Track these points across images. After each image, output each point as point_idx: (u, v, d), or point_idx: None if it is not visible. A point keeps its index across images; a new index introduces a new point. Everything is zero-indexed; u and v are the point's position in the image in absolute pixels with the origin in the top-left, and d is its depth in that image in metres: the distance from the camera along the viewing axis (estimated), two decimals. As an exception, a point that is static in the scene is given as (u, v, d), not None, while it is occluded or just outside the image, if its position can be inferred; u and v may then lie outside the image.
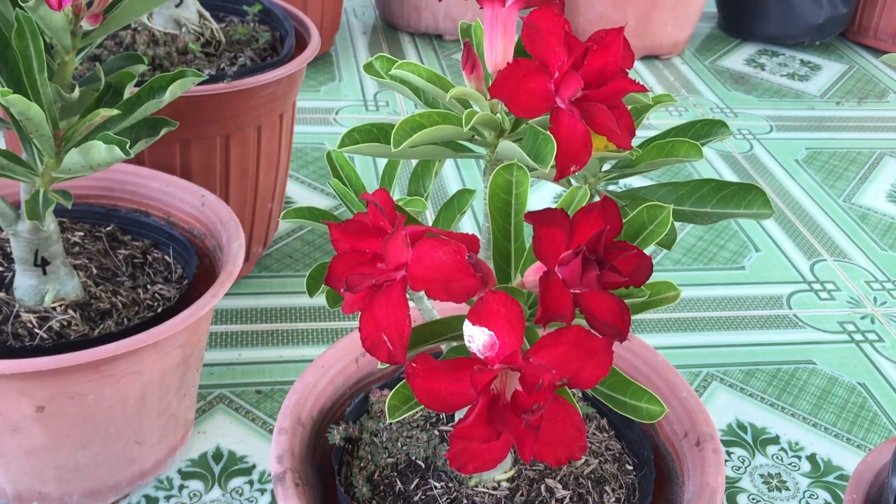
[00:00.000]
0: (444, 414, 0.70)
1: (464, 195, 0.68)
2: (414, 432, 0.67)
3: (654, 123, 1.74)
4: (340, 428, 0.67)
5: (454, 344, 0.54)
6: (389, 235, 0.44)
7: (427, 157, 0.60)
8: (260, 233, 1.18)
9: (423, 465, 0.65)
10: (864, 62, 2.16)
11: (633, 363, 0.74)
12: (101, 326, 0.81)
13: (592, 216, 0.46)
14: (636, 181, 1.50)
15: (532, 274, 0.49)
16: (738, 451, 1.02)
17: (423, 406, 0.47)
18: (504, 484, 0.64)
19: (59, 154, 0.69)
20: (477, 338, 0.43)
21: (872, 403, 1.11)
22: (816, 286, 1.33)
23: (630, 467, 0.69)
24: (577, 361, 0.43)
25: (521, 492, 0.64)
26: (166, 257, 0.93)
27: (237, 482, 0.92)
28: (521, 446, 0.43)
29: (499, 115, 0.55)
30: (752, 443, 1.03)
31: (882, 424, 1.08)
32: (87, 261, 0.89)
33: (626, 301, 0.48)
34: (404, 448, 0.66)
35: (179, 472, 0.93)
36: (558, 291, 0.45)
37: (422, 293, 0.52)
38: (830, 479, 1.00)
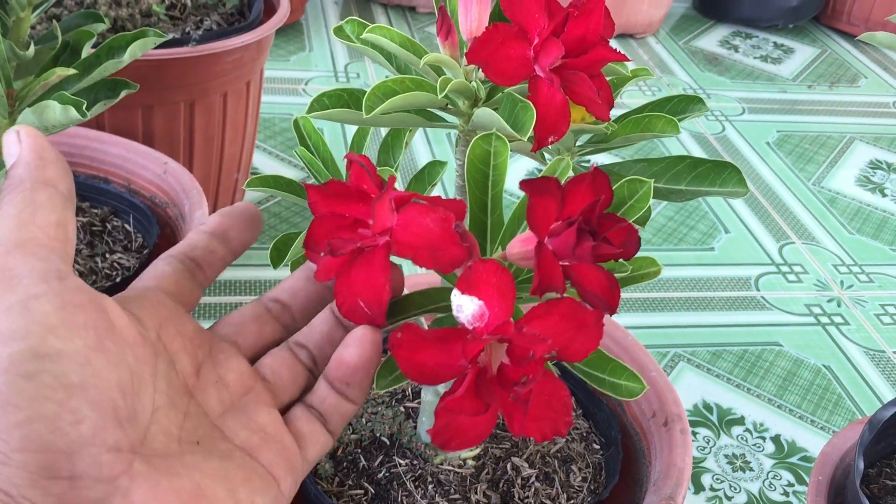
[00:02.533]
0: (409, 390, 0.69)
1: (434, 167, 0.65)
2: (379, 409, 0.66)
3: (627, 102, 1.73)
4: None
5: (438, 316, 0.53)
6: (378, 198, 0.42)
7: (399, 125, 0.58)
8: (225, 204, 1.16)
9: (388, 442, 0.64)
10: (836, 47, 2.16)
11: (603, 342, 0.73)
12: (57, 295, 0.79)
13: (584, 187, 0.44)
14: (608, 158, 1.49)
15: (518, 245, 0.47)
16: (703, 432, 1.02)
17: (406, 379, 0.45)
18: (470, 462, 0.63)
19: (11, 114, 0.66)
20: (466, 307, 0.41)
21: (837, 386, 1.11)
22: (784, 268, 1.33)
23: (597, 447, 0.68)
24: (567, 333, 0.42)
25: (486, 470, 0.63)
26: (126, 226, 0.90)
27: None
28: (510, 420, 0.41)
29: (474, 83, 0.53)
30: (717, 423, 1.03)
31: (846, 407, 1.08)
32: (43, 227, 0.86)
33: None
34: (368, 425, 0.65)
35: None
36: (551, 263, 0.43)
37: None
38: (794, 460, 1.00)
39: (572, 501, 0.63)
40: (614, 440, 0.68)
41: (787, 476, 0.98)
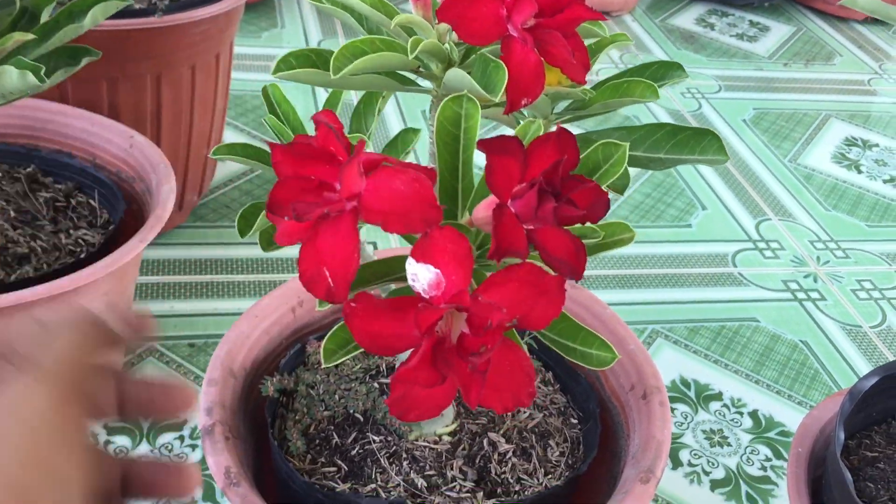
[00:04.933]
0: (384, 366, 0.67)
1: (408, 134, 0.64)
2: (353, 385, 0.64)
3: (602, 76, 1.71)
4: (274, 379, 0.64)
5: (400, 286, 0.51)
6: (347, 161, 0.40)
7: (369, 87, 0.56)
8: (195, 180, 1.13)
9: (362, 419, 0.63)
10: (811, 25, 2.16)
11: (580, 315, 0.72)
12: (19, 272, 0.76)
13: (548, 147, 0.42)
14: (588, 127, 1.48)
15: (482, 210, 0.46)
16: (681, 408, 1.01)
17: (361, 349, 0.44)
18: (446, 438, 0.61)
19: (-34, 81, 0.63)
20: (421, 276, 0.39)
21: (814, 361, 1.11)
22: (761, 245, 1.32)
23: (575, 421, 0.67)
24: (528, 300, 0.40)
25: (462, 445, 0.62)
26: (91, 201, 0.88)
27: (166, 438, 0.88)
28: (466, 391, 0.40)
29: (447, 45, 0.52)
30: (695, 399, 1.03)
31: (822, 381, 1.08)
32: (4, 203, 0.83)
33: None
34: (342, 401, 0.63)
35: (105, 426, 0.88)
36: (512, 225, 0.41)
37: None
38: (771, 434, 1.00)
39: (550, 476, 0.62)
40: (592, 414, 0.66)
41: (765, 451, 0.97)
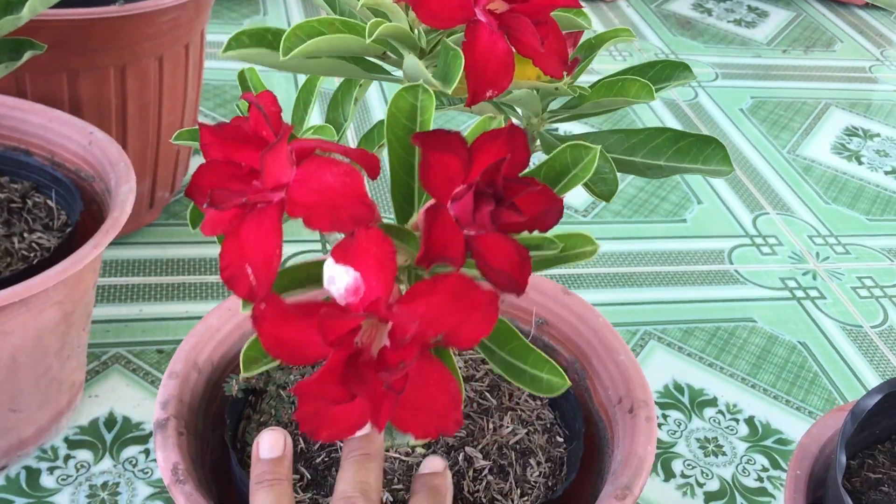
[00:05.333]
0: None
1: (384, 126, 0.59)
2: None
3: (598, 68, 1.66)
4: (241, 378, 0.60)
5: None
6: (269, 147, 0.36)
7: (329, 73, 0.51)
8: (166, 176, 1.08)
9: None
10: (811, 10, 2.10)
11: (570, 321, 0.68)
12: (-35, 280, 0.71)
13: (496, 145, 0.38)
14: (583, 128, 1.43)
15: (422, 212, 0.41)
16: (674, 414, 0.97)
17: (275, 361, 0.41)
18: (419, 450, 0.58)
19: None
20: (339, 279, 0.36)
21: (812, 363, 1.07)
22: (759, 240, 1.28)
23: (561, 439, 0.63)
24: (456, 315, 0.36)
25: None
26: (48, 202, 0.83)
27: (131, 451, 0.84)
28: (375, 410, 0.36)
29: (417, 31, 0.47)
30: (688, 405, 0.98)
31: (822, 385, 1.04)
32: (-47, 205, 0.78)
33: (534, 254, 0.41)
34: None
35: (66, 440, 0.84)
36: (447, 229, 0.37)
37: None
38: (768, 443, 0.95)
39: (525, 498, 0.58)
40: (577, 433, 0.62)
41: (762, 460, 0.93)
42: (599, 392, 0.66)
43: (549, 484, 0.59)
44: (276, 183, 0.36)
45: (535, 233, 0.41)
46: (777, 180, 1.42)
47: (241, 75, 0.59)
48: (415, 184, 0.45)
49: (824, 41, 1.95)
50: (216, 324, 0.64)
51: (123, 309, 0.99)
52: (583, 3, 0.55)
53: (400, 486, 0.56)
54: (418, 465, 0.56)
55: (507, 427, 0.61)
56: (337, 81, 0.60)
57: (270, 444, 0.49)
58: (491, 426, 0.61)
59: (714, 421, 0.97)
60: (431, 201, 0.39)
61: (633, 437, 0.59)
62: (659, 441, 0.93)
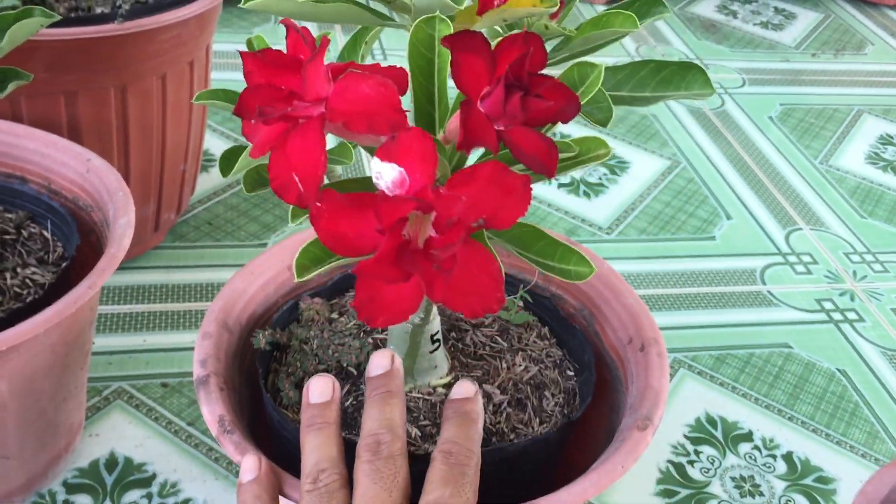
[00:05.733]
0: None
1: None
2: (346, 340, 0.64)
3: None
4: (266, 332, 0.65)
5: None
6: (309, 59, 0.40)
7: (340, 19, 0.53)
8: (171, 198, 1.04)
9: (355, 372, 0.62)
10: (841, 11, 2.03)
11: None
12: (-48, 323, 0.67)
13: (516, 46, 0.42)
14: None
15: (454, 120, 0.46)
16: (707, 451, 0.91)
17: (333, 262, 0.45)
18: (440, 389, 0.61)
19: None
20: (386, 174, 0.40)
21: (853, 393, 1.01)
22: (792, 258, 1.22)
23: (571, 373, 0.67)
24: (494, 199, 0.41)
25: None
26: (44, 232, 0.78)
27: (133, 496, 0.79)
28: (430, 288, 0.41)
29: None
30: (722, 440, 0.93)
31: (863, 416, 0.98)
32: (-57, 238, 0.74)
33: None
34: (335, 355, 0.63)
35: (65, 484, 0.79)
36: (479, 119, 0.42)
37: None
38: (808, 481, 0.90)
39: (545, 425, 0.62)
40: (587, 365, 0.66)
41: (801, 501, 0.87)
42: (609, 334, 0.70)
43: (565, 412, 0.63)
44: (316, 96, 0.40)
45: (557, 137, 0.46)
46: (809, 193, 1.36)
47: (249, 42, 0.63)
48: (436, 111, 0.49)
49: (855, 44, 1.88)
50: (241, 286, 0.68)
51: (126, 339, 0.95)
52: (605, 6, 0.56)
53: (426, 422, 0.59)
54: (441, 402, 0.60)
55: (520, 365, 0.66)
56: (342, 40, 0.60)
57: (320, 390, 0.53)
58: (504, 365, 0.65)
59: (750, 457, 0.91)
60: (463, 99, 0.43)
61: (648, 373, 0.64)
62: (692, 480, 0.88)
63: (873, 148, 1.51)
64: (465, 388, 0.54)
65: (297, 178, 0.40)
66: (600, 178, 1.33)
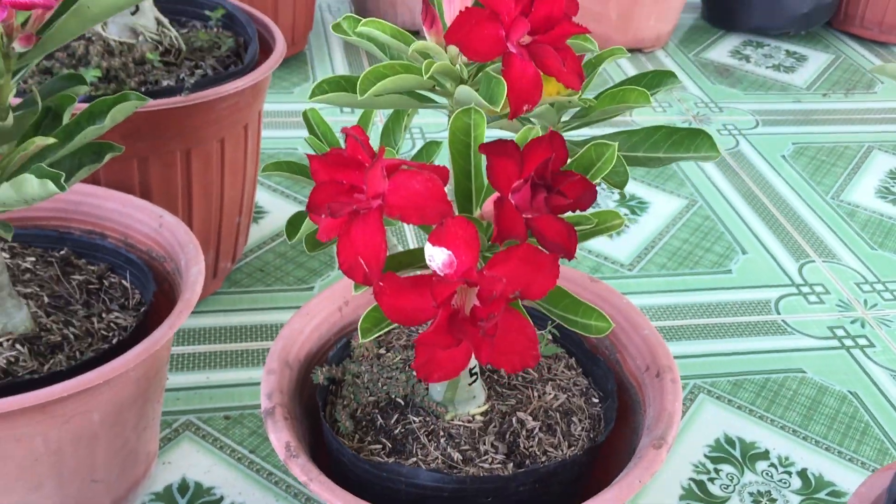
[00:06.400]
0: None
1: (431, 146, 0.74)
2: (394, 374, 0.71)
3: (638, 120, 1.70)
4: (324, 369, 0.72)
5: (421, 272, 0.59)
6: (371, 166, 0.48)
7: (392, 106, 0.63)
8: (228, 248, 1.14)
9: (403, 403, 0.70)
10: (850, 51, 2.12)
11: (600, 305, 0.79)
12: (52, 361, 0.77)
13: (541, 147, 0.50)
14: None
15: (489, 204, 0.53)
16: (726, 468, 0.98)
17: (392, 324, 0.53)
18: (478, 417, 0.69)
19: (-8, 186, 0.64)
20: (437, 257, 0.47)
21: (864, 413, 1.07)
22: (805, 289, 1.29)
23: (596, 400, 0.75)
24: (527, 275, 0.49)
25: (494, 423, 0.69)
26: (123, 282, 0.89)
27: (202, 519, 0.88)
28: (478, 352, 0.48)
29: (458, 65, 0.58)
30: (740, 459, 1.00)
31: (874, 435, 1.04)
32: (38, 288, 0.84)
33: (577, 229, 0.54)
34: (384, 388, 0.71)
35: (142, 507, 0.88)
36: (511, 214, 0.50)
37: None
38: (822, 495, 0.96)
39: (573, 448, 0.69)
40: (611, 393, 0.74)
41: (816, 513, 0.94)
42: (629, 362, 0.77)
43: (591, 436, 0.71)
44: (375, 193, 0.48)
45: (577, 213, 0.55)
46: (822, 227, 1.44)
47: (305, 115, 0.72)
48: (472, 185, 0.58)
49: (864, 83, 1.96)
50: (299, 327, 0.76)
51: (192, 377, 1.04)
52: (625, 52, 0.68)
53: (466, 447, 0.67)
54: (479, 429, 0.68)
55: (550, 394, 0.73)
56: (382, 114, 0.70)
57: None
58: (536, 394, 0.72)
59: (766, 474, 0.98)
60: (495, 195, 0.51)
61: (663, 397, 0.71)
62: (712, 496, 0.95)
63: (883, 182, 1.58)
64: None
65: (362, 262, 0.48)
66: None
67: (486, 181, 0.56)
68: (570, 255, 0.51)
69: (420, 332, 0.71)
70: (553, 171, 0.50)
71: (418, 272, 0.57)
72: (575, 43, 0.62)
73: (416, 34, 1.93)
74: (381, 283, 0.47)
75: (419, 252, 0.55)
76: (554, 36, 0.53)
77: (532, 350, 0.50)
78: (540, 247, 0.50)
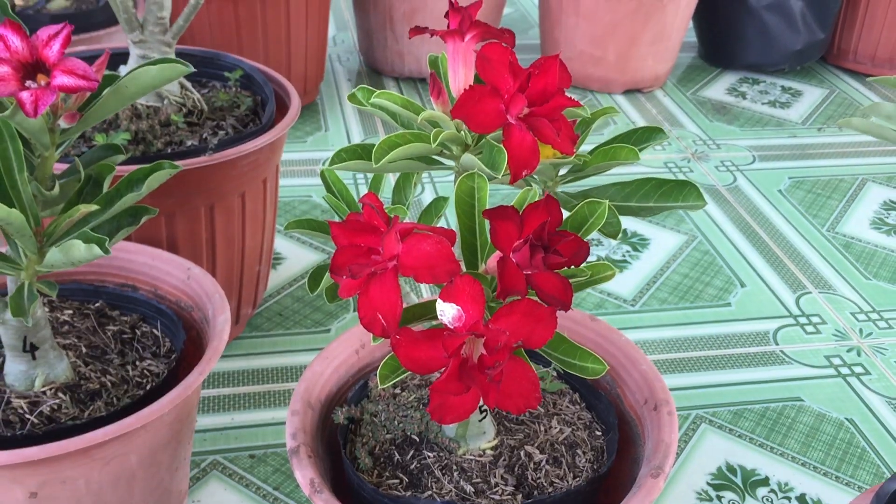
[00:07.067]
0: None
1: (439, 202, 0.79)
2: (409, 412, 0.76)
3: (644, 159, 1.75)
4: (344, 409, 0.77)
5: (432, 323, 0.64)
6: (386, 232, 0.53)
7: (404, 170, 0.69)
8: (249, 295, 1.20)
9: (418, 440, 0.75)
10: (844, 86, 2.18)
11: (597, 341, 0.86)
12: (91, 408, 0.83)
13: (538, 211, 0.56)
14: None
15: (492, 261, 0.59)
16: (728, 495, 1.03)
17: (408, 372, 0.57)
18: (489, 452, 0.73)
19: (41, 250, 0.70)
20: (447, 312, 0.53)
21: (860, 439, 1.12)
22: (802, 320, 1.34)
23: (599, 433, 0.79)
24: (528, 327, 0.54)
25: (503, 457, 0.74)
26: (154, 331, 0.95)
27: (232, 551, 0.93)
28: (486, 397, 0.53)
29: (462, 132, 0.65)
30: (741, 486, 1.05)
31: (870, 460, 1.09)
32: (76, 339, 0.91)
33: (571, 280, 0.59)
34: (400, 425, 0.75)
35: (175, 543, 0.94)
36: (513, 272, 0.55)
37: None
38: (820, 519, 1.01)
39: (578, 479, 0.74)
40: (612, 426, 0.78)
41: (815, 536, 0.99)
42: (628, 396, 0.82)
43: (595, 467, 0.75)
44: (391, 255, 0.53)
45: (572, 267, 0.60)
46: (818, 259, 1.49)
47: (323, 174, 0.78)
48: (477, 242, 0.63)
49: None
50: (319, 370, 0.81)
51: (218, 419, 1.10)
52: (619, 96, 0.73)
53: (478, 480, 0.72)
54: (490, 462, 0.73)
55: (555, 428, 0.78)
56: (393, 177, 0.77)
57: None
58: (542, 428, 0.77)
59: (767, 500, 1.03)
60: (497, 254, 0.57)
61: (660, 429, 0.75)
62: (715, 522, 1.00)
63: (877, 214, 1.63)
64: None
65: (380, 317, 0.53)
66: (623, 255, 1.47)
67: (489, 239, 0.61)
68: (566, 307, 0.56)
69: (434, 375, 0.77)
70: (549, 232, 0.55)
71: (430, 324, 0.63)
72: (568, 111, 0.68)
73: (423, 81, 2.03)
74: (398, 337, 0.52)
75: (431, 305, 0.60)
76: (549, 108, 0.59)
77: (535, 393, 0.55)
78: (539, 300, 0.55)
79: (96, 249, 0.65)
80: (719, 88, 2.14)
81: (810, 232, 1.57)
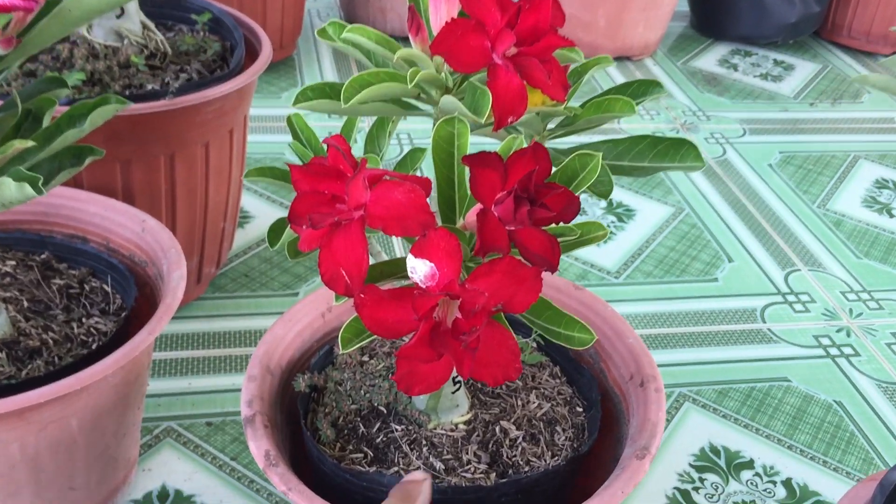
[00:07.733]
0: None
1: (416, 153, 0.72)
2: (376, 381, 0.71)
3: (626, 128, 1.70)
4: (306, 377, 0.72)
5: (402, 283, 0.57)
6: (352, 177, 0.47)
7: (376, 114, 0.62)
8: (212, 253, 1.13)
9: (385, 411, 0.70)
10: (837, 61, 2.13)
11: (581, 311, 0.80)
12: (29, 367, 0.76)
13: (525, 159, 0.50)
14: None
15: (472, 215, 0.53)
16: (711, 478, 0.98)
17: (374, 336, 0.52)
18: (461, 426, 0.68)
19: (-31, 189, 0.63)
20: (419, 269, 0.47)
21: (849, 423, 1.07)
22: (791, 298, 1.29)
23: (580, 409, 0.74)
24: (509, 288, 0.48)
25: (477, 432, 0.68)
26: (105, 286, 0.88)
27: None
28: (459, 366, 0.47)
29: (443, 74, 0.58)
30: (725, 468, 1.00)
31: (859, 445, 1.04)
32: (17, 293, 0.83)
33: (559, 240, 0.53)
34: (367, 395, 0.70)
35: (122, 514, 0.87)
36: (494, 226, 0.49)
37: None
38: (806, 505, 0.96)
39: (556, 458, 0.68)
40: (595, 402, 0.73)
41: (800, 523, 0.94)
42: (613, 371, 0.77)
43: (575, 446, 0.70)
44: (357, 203, 0.47)
45: (561, 224, 0.54)
46: (808, 236, 1.44)
47: (289, 120, 0.71)
48: (455, 195, 0.57)
49: (851, 93, 1.97)
50: (281, 333, 0.76)
51: (173, 383, 1.03)
52: (611, 62, 0.67)
53: (449, 457, 0.67)
54: (462, 438, 0.68)
55: (534, 402, 0.72)
56: (368, 120, 0.70)
57: None
58: (520, 403, 0.72)
59: (751, 484, 0.98)
60: (478, 206, 0.50)
61: (646, 407, 0.70)
62: (696, 505, 0.95)
63: (869, 192, 1.58)
64: (415, 475, 0.60)
65: (344, 273, 0.47)
66: (609, 226, 1.42)
67: (468, 192, 0.55)
68: (553, 268, 0.50)
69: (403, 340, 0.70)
70: (536, 184, 0.49)
71: (400, 283, 0.56)
72: (560, 54, 0.62)
73: (406, 41, 1.93)
74: (362, 295, 0.46)
75: (401, 262, 0.54)
76: (539, 48, 0.53)
77: (514, 363, 0.49)
78: (523, 259, 0.50)
79: (28, 189, 0.58)
80: (710, 59, 2.08)
81: (800, 208, 1.51)
